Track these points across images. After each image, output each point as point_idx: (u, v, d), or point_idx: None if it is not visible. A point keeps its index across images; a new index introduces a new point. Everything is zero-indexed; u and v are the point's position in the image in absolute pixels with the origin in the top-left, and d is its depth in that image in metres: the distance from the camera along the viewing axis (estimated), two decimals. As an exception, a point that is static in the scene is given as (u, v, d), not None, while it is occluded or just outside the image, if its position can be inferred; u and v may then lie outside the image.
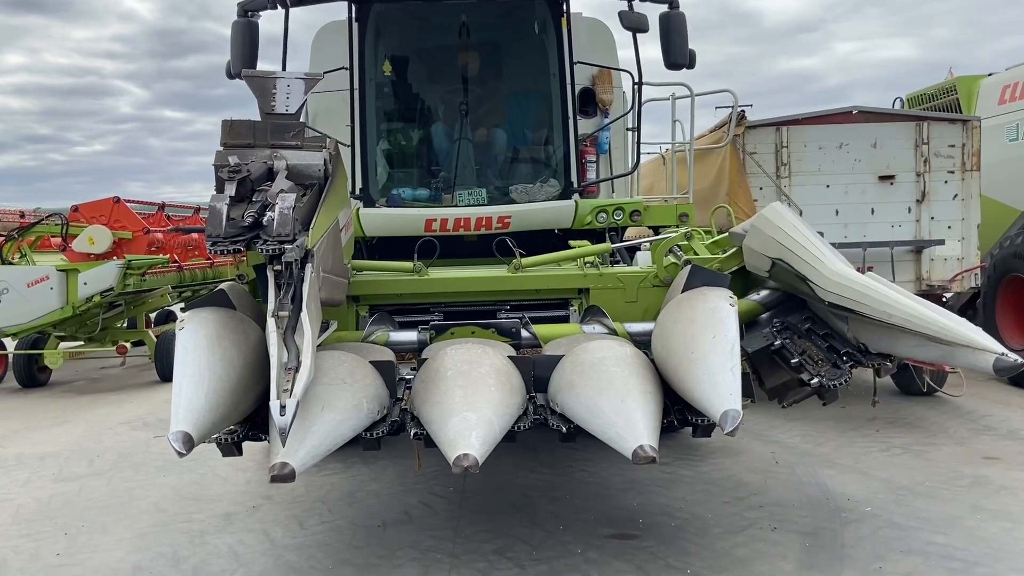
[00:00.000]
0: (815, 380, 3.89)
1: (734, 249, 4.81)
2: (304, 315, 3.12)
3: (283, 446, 3.13)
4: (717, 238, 5.38)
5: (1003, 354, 3.31)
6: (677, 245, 5.16)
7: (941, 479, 5.60)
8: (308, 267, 3.23)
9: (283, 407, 2.87)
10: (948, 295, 8.83)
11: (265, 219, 3.16)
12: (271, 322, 3.09)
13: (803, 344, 4.20)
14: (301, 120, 3.68)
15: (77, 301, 9.64)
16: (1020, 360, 3.32)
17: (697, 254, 5.00)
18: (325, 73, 6.44)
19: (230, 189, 3.24)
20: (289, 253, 3.12)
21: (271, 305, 3.15)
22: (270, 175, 3.47)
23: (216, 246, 3.15)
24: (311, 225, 3.32)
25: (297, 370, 2.98)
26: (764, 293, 4.54)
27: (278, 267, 3.19)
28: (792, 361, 4.05)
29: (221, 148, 3.48)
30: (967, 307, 9.91)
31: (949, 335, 3.38)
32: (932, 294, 8.04)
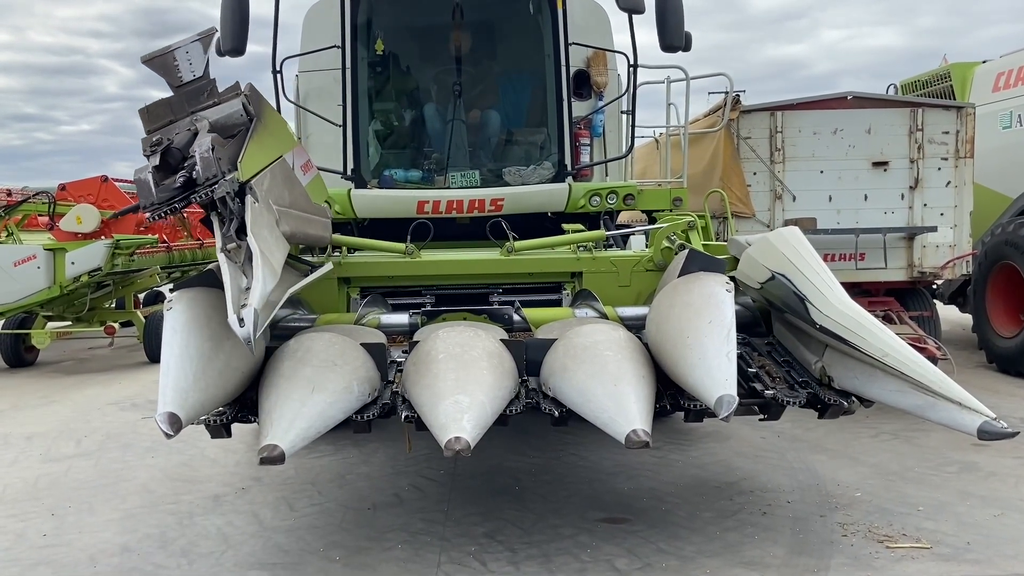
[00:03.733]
0: (769, 392, 3.90)
1: (727, 257, 4.80)
2: (251, 239, 3.14)
3: (253, 353, 3.19)
4: (712, 243, 5.32)
5: (994, 418, 3.30)
6: (674, 233, 5.13)
7: (930, 465, 5.63)
8: (248, 198, 3.26)
9: (241, 320, 2.88)
10: (939, 282, 8.83)
11: (194, 173, 3.22)
12: (221, 258, 3.15)
13: (762, 360, 4.26)
14: (211, 78, 3.67)
15: (65, 280, 9.57)
16: (1007, 427, 3.30)
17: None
18: (315, 51, 6.42)
19: (154, 160, 3.32)
20: (220, 188, 3.20)
21: (218, 243, 3.22)
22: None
23: (154, 213, 3.23)
24: (239, 160, 3.34)
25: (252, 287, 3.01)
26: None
27: (220, 210, 3.26)
28: (750, 370, 4.08)
29: (146, 135, 3.50)
30: (958, 294, 9.95)
31: (942, 388, 3.40)
32: (924, 280, 8.05)
